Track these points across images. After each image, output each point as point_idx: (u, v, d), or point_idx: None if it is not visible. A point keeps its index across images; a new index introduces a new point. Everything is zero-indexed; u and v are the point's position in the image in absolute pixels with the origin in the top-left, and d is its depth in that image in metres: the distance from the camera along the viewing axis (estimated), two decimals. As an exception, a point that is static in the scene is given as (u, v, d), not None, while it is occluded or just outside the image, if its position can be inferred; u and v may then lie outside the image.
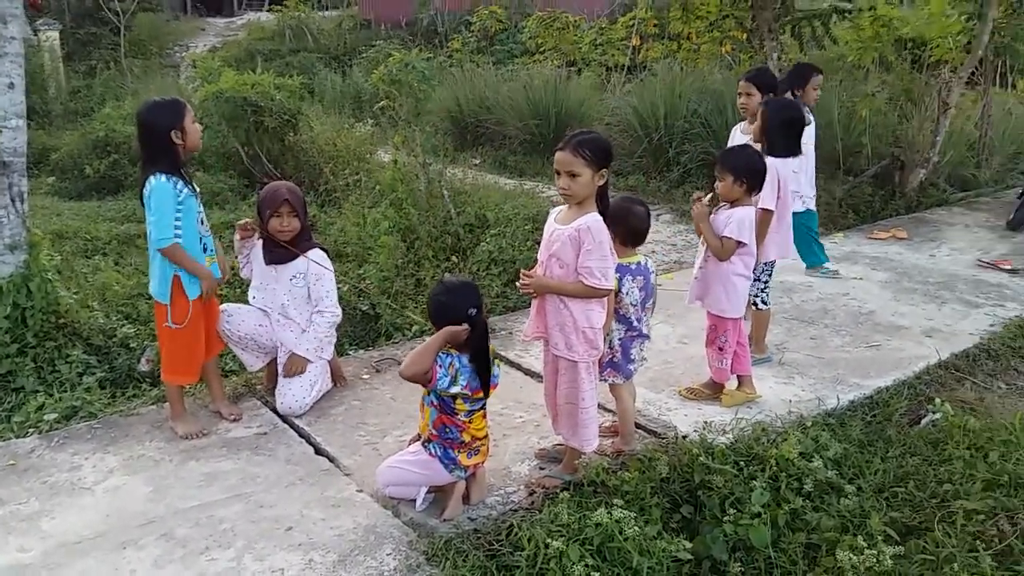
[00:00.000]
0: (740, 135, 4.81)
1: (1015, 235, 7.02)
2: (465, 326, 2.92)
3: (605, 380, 3.45)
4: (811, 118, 5.35)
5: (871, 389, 4.13)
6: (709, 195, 3.88)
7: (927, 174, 7.92)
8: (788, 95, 5.26)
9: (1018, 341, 4.77)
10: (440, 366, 2.89)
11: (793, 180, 5.04)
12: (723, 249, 3.77)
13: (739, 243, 3.75)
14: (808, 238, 5.61)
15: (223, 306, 3.92)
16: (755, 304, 4.42)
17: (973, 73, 8.36)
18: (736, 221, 3.74)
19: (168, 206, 3.45)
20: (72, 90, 14.62)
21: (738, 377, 3.98)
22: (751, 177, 3.77)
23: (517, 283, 3.08)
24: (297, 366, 3.89)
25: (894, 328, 4.95)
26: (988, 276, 5.94)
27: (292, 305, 3.95)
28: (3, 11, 4.20)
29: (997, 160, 9.05)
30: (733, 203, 3.82)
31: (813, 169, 5.48)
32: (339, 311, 4.04)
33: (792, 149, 4.32)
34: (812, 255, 5.80)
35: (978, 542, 2.88)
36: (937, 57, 9.03)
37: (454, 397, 2.96)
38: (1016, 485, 3.17)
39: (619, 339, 3.42)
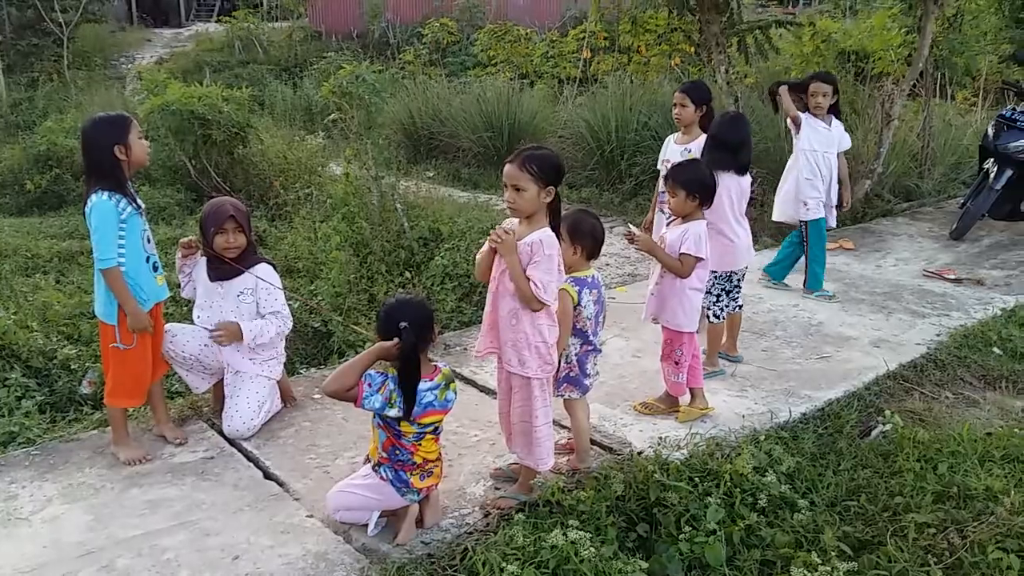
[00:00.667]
0: (674, 145, 4.88)
1: (958, 244, 7.20)
2: (395, 340, 2.86)
3: (562, 395, 3.42)
4: (825, 126, 5.59)
5: (822, 401, 4.17)
6: (639, 227, 3.92)
7: (872, 185, 8.08)
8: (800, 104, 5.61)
9: (963, 351, 4.86)
10: (368, 384, 2.83)
11: (809, 187, 5.51)
12: (683, 267, 3.79)
13: (698, 258, 3.77)
14: (810, 254, 5.74)
15: (166, 326, 3.81)
16: (708, 317, 4.46)
17: (914, 85, 8.59)
18: (692, 237, 3.76)
19: (110, 226, 3.34)
20: (13, 102, 14.24)
21: (691, 391, 3.99)
22: (702, 192, 3.80)
23: (489, 236, 3.00)
24: (230, 334, 3.77)
25: (843, 339, 5.02)
26: (933, 286, 6.07)
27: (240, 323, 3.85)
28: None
29: (939, 170, 9.28)
30: (685, 218, 3.84)
31: (831, 175, 5.65)
32: (291, 322, 3.96)
33: (727, 165, 4.36)
34: (813, 277, 5.82)
35: (929, 556, 2.91)
36: (879, 69, 9.29)
37: (397, 420, 2.90)
38: (965, 497, 3.21)
39: (576, 353, 3.40)
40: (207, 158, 8.38)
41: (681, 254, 3.78)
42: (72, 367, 4.42)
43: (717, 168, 4.28)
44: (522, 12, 18.63)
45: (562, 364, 3.36)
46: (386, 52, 17.93)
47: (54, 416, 4.08)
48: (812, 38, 8.23)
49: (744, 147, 4.44)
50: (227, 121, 8.30)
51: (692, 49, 9.34)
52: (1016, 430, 3.72)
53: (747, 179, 4.47)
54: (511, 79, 11.72)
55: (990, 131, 7.25)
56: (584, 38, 11.67)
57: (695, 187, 3.79)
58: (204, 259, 3.87)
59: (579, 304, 3.31)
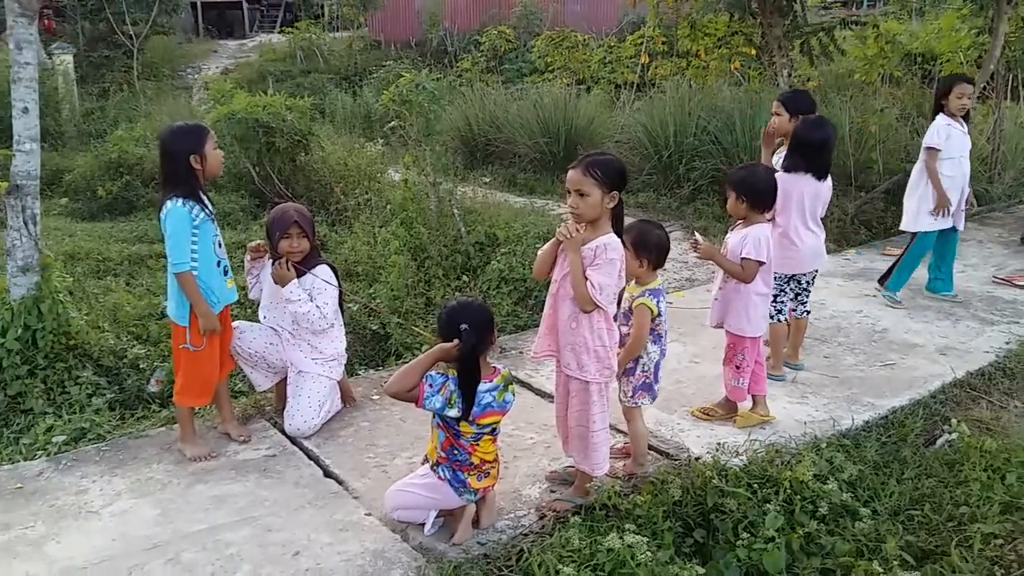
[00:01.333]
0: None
1: (1030, 251, 6.95)
2: (456, 342, 2.90)
3: (636, 404, 3.43)
4: (961, 128, 5.50)
5: (886, 409, 4.08)
6: (698, 234, 3.91)
7: (939, 190, 7.85)
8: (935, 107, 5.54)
9: (1034, 359, 4.70)
10: (429, 385, 2.88)
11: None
12: (745, 272, 3.76)
13: (759, 262, 3.74)
14: (909, 257, 5.71)
15: (234, 323, 3.92)
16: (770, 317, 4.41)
17: (985, 87, 8.33)
18: (752, 241, 3.73)
19: (183, 231, 3.46)
20: (85, 112, 14.77)
21: (752, 397, 3.94)
22: (749, 195, 3.79)
23: (558, 229, 3.00)
24: (283, 277, 3.86)
25: (908, 346, 4.89)
26: (1003, 292, 5.88)
27: (300, 324, 3.95)
28: (18, 37, 4.24)
29: (1010, 174, 8.99)
30: (743, 220, 3.82)
31: (963, 182, 5.58)
32: (326, 322, 3.97)
33: (804, 167, 4.29)
34: (896, 278, 5.77)
35: (996, 567, 2.83)
36: (948, 71, 9.04)
37: (457, 420, 2.94)
38: (1034, 508, 3.11)
39: (654, 361, 3.42)
40: (270, 165, 8.57)
41: (742, 259, 3.75)
42: (141, 366, 4.56)
43: (794, 170, 4.24)
44: (579, 18, 18.63)
45: (638, 372, 3.39)
46: (444, 60, 18.13)
47: (123, 413, 4.21)
48: (876, 40, 8.05)
49: (823, 150, 4.32)
50: (290, 129, 8.48)
51: (753, 52, 9.21)
52: (1092, 442, 3.58)
53: (826, 183, 4.36)
54: (568, 85, 11.73)
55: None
56: (642, 43, 11.62)
57: (743, 189, 3.78)
58: (270, 262, 3.97)
59: (660, 315, 3.32)
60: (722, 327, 3.96)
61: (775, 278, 4.38)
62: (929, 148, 5.46)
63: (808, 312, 4.61)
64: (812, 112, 4.60)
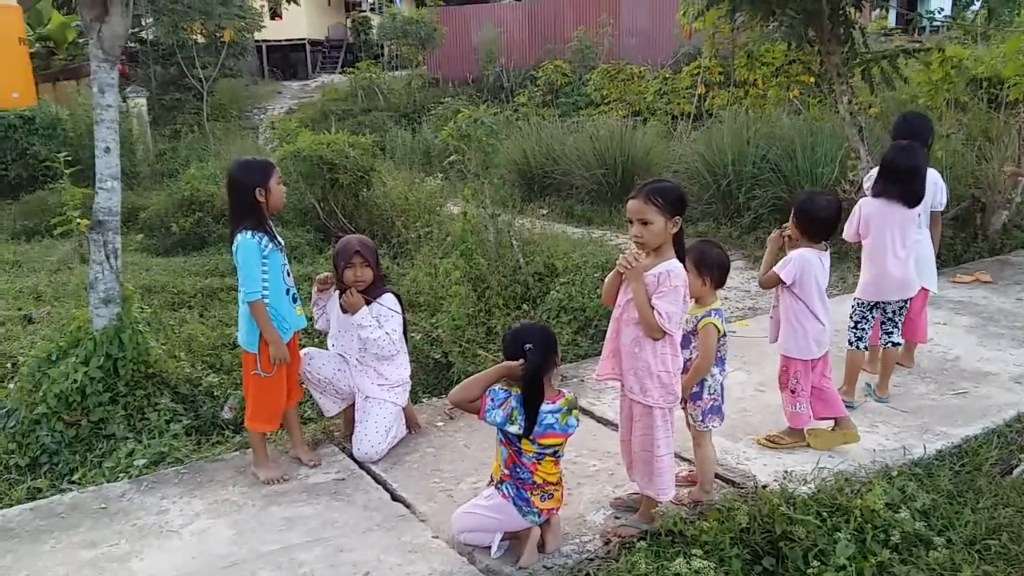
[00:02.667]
0: None
1: (1108, 277, 6.72)
2: (520, 361, 2.95)
3: (708, 427, 3.43)
4: None
5: (959, 438, 3.98)
6: (789, 231, 3.90)
7: (1010, 215, 7.68)
8: None
9: (1115, 387, 4.53)
10: (491, 399, 2.94)
11: None
12: (764, 279, 3.87)
13: (779, 279, 3.77)
14: None
15: (304, 350, 4.05)
16: (848, 342, 4.42)
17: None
18: (790, 259, 3.78)
19: (254, 261, 3.61)
20: (158, 152, 15.41)
21: (835, 420, 3.91)
22: (801, 222, 3.81)
23: (618, 261, 3.06)
24: (354, 304, 3.96)
25: (981, 374, 4.77)
26: (1080, 320, 5.69)
27: (368, 351, 4.05)
28: (101, 81, 4.49)
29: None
30: (797, 244, 3.83)
31: None
32: (393, 348, 4.08)
33: (886, 193, 4.25)
34: None
35: (1080, 598, 2.74)
36: (1015, 96, 8.84)
37: (518, 437, 2.98)
38: (1120, 539, 3.00)
39: (719, 383, 3.44)
40: (334, 200, 8.83)
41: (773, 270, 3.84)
42: (215, 394, 4.73)
43: (883, 196, 4.23)
44: (634, 51, 18.75)
45: (705, 395, 3.40)
46: (500, 95, 18.43)
47: (199, 439, 4.37)
48: (941, 64, 7.95)
49: (913, 177, 4.23)
50: (353, 165, 8.73)
51: (812, 80, 9.18)
52: None
53: (915, 210, 4.29)
54: (624, 117, 11.82)
55: None
56: (698, 73, 11.66)
57: (798, 216, 3.81)
58: (337, 292, 4.10)
59: (724, 335, 3.35)
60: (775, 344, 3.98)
61: (857, 303, 4.40)
62: None
63: (896, 344, 4.50)
64: (921, 135, 4.57)
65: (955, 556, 3.05)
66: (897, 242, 4.27)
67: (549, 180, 11.23)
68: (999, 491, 3.52)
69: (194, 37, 18.99)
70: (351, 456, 3.99)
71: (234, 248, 3.66)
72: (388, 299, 4.10)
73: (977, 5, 7.34)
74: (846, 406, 4.26)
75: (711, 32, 9.90)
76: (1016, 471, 3.71)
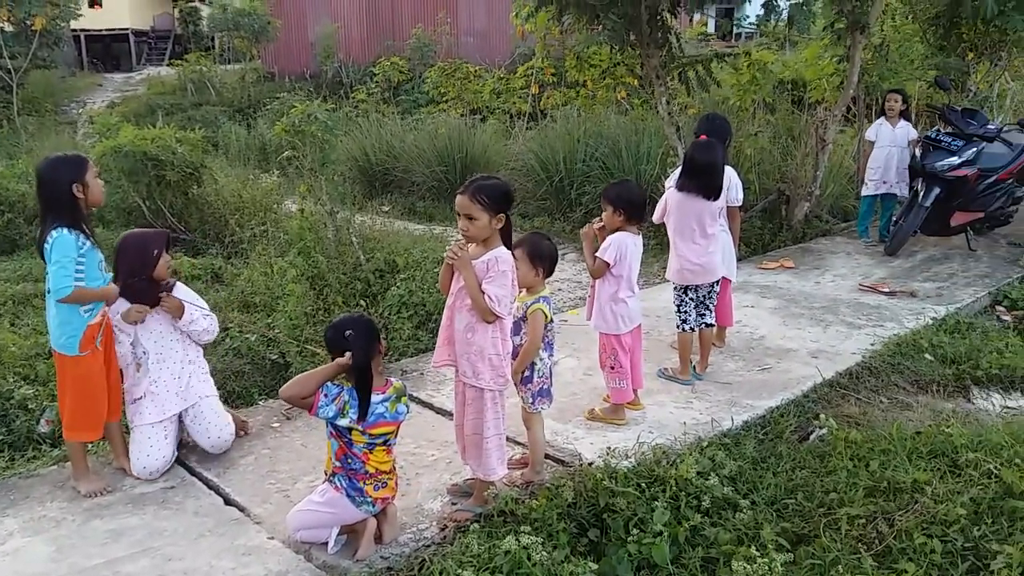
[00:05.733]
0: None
1: (893, 260, 7.52)
2: (350, 355, 3.02)
3: (537, 409, 3.60)
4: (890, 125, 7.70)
5: (763, 409, 4.37)
6: (600, 223, 4.17)
7: (811, 207, 8.42)
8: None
9: (896, 358, 5.10)
10: (325, 395, 2.98)
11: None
12: (594, 268, 4.12)
13: (605, 263, 4.05)
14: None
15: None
16: (676, 327, 4.80)
17: (848, 110, 9.00)
18: (610, 243, 4.07)
19: (69, 258, 3.44)
20: (-40, 149, 14.08)
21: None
22: (626, 208, 4.08)
23: (445, 253, 3.20)
24: (178, 307, 3.91)
25: (783, 351, 5.25)
26: (868, 299, 6.35)
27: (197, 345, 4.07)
28: None
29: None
30: (616, 230, 4.09)
31: (896, 161, 7.73)
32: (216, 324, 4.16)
33: (687, 187, 4.56)
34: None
35: (860, 545, 3.10)
36: (815, 97, 9.71)
37: (349, 429, 3.04)
38: (894, 490, 3.41)
39: (548, 367, 3.61)
40: (161, 199, 8.43)
41: (595, 256, 4.12)
42: (29, 406, 4.43)
43: (685, 190, 4.56)
44: (472, 50, 19.01)
45: (535, 379, 3.57)
46: (339, 92, 18.14)
47: (12, 455, 4.09)
48: (749, 68, 8.61)
49: (712, 172, 4.54)
50: (181, 162, 8.36)
51: (636, 82, 9.66)
52: (943, 428, 3.94)
53: (717, 202, 4.62)
54: (462, 115, 11.98)
55: (917, 152, 7.62)
56: (532, 74, 11.99)
57: (621, 203, 4.08)
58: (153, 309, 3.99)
59: (553, 322, 3.52)
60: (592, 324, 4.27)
61: (673, 288, 4.79)
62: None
63: (709, 325, 4.86)
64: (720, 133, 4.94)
65: (758, 516, 3.35)
66: (696, 232, 4.62)
67: (390, 177, 11.21)
68: (797, 455, 3.90)
69: (0, 24, 17.46)
70: (180, 463, 3.88)
71: (48, 245, 3.44)
72: (180, 289, 4.04)
73: (784, 15, 8.02)
74: (684, 383, 4.67)
75: (542, 34, 10.21)
76: (811, 437, 4.13)
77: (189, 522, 3.37)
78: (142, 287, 3.84)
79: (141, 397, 3.88)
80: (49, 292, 3.49)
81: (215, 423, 3.94)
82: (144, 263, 3.85)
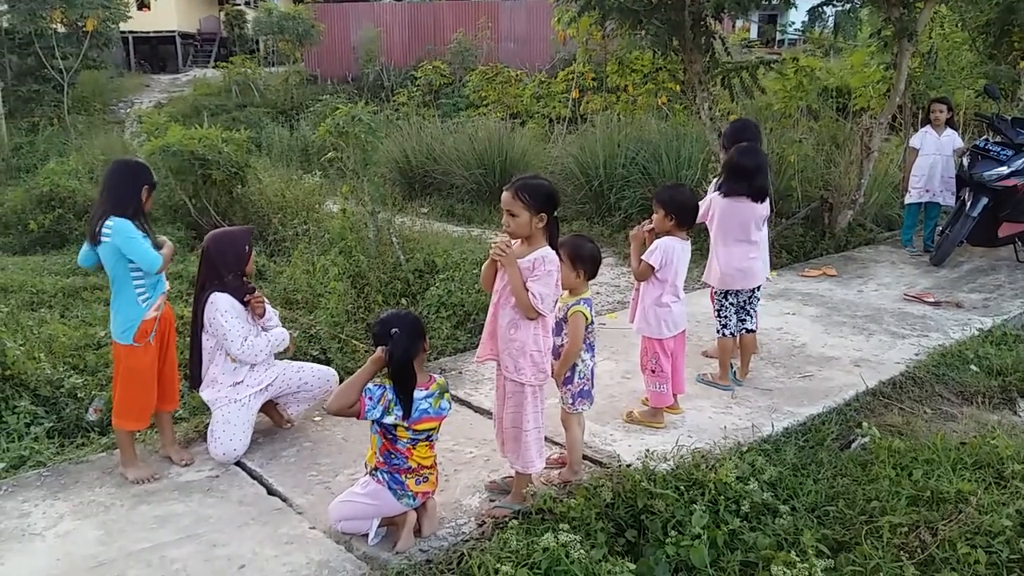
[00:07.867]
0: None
1: (938, 270, 7.40)
2: (380, 348, 3.07)
3: (578, 410, 3.62)
4: (934, 134, 7.74)
5: (804, 416, 4.33)
6: (650, 225, 4.16)
7: (854, 215, 8.32)
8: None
9: (941, 369, 5.02)
10: (369, 398, 3.03)
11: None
12: (639, 271, 4.12)
13: (650, 266, 4.05)
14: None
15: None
16: (716, 332, 4.76)
17: (894, 119, 8.88)
18: (656, 247, 4.07)
19: (138, 235, 3.60)
20: (14, 146, 14.50)
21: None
22: (678, 212, 4.08)
23: (490, 250, 3.23)
24: (261, 303, 4.11)
25: (825, 359, 5.19)
26: (913, 309, 6.26)
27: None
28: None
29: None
30: (665, 234, 4.08)
31: (940, 169, 7.69)
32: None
33: (735, 191, 4.51)
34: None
35: (903, 553, 3.06)
36: (860, 105, 9.59)
37: (394, 425, 3.07)
38: (937, 499, 3.36)
39: (589, 368, 3.62)
40: (207, 197, 8.60)
41: (641, 259, 4.12)
42: (79, 395, 4.55)
43: (733, 195, 4.51)
44: (512, 55, 19.11)
45: (576, 380, 3.59)
46: (380, 94, 18.33)
47: (62, 442, 4.21)
48: (796, 73, 8.55)
49: (759, 175, 4.52)
50: (226, 161, 8.53)
51: (678, 87, 9.64)
52: (988, 439, 3.87)
53: (763, 204, 4.57)
54: (502, 119, 12.04)
55: (965, 161, 7.49)
56: (573, 79, 12.01)
57: (672, 207, 4.07)
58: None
59: (592, 323, 3.54)
60: (633, 327, 4.26)
61: (714, 293, 4.74)
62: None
63: (750, 331, 4.82)
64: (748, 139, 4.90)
65: (798, 522, 3.33)
66: (741, 237, 4.59)
67: (430, 179, 11.31)
68: (838, 463, 3.86)
69: (53, 26, 17.92)
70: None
71: (108, 231, 3.56)
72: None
73: (830, 21, 7.96)
74: (724, 388, 4.63)
75: (584, 39, 10.24)
76: (853, 445, 4.08)
77: (233, 510, 3.44)
78: (236, 284, 3.97)
79: (240, 382, 4.00)
80: (112, 281, 3.67)
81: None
82: (239, 259, 3.99)
